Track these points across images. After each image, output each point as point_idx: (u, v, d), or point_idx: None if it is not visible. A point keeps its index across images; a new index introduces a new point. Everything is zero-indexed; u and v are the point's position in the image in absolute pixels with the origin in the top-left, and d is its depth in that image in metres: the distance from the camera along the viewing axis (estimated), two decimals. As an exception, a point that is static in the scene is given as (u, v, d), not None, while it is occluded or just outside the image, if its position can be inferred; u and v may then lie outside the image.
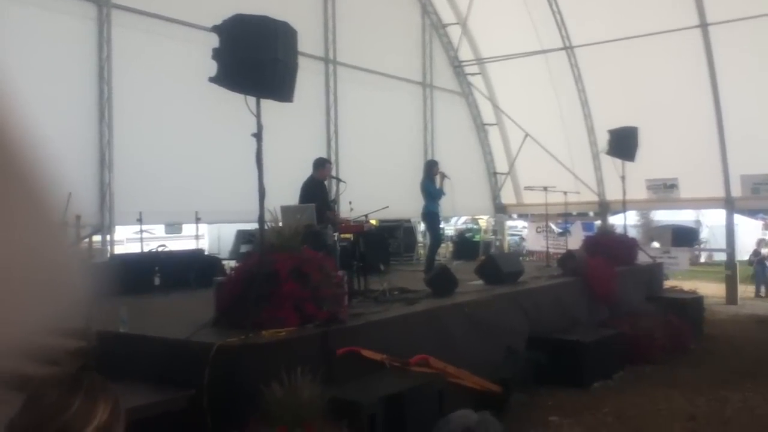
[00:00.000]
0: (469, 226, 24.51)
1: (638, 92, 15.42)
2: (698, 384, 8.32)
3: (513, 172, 18.72)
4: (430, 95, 17.66)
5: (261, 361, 5.22)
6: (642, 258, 12.91)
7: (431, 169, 11.18)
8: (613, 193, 16.03)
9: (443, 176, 11.00)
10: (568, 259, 10.85)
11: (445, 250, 17.56)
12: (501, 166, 19.10)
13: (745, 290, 16.73)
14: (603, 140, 13.38)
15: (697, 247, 23.45)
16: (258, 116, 5.86)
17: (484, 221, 23.44)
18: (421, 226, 16.41)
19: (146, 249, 11.19)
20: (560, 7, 16.21)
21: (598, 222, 17.73)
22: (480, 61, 18.14)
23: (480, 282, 9.36)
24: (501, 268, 9.39)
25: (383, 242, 13.53)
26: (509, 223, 22.24)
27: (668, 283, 13.45)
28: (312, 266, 6.03)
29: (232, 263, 10.06)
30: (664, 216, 23.61)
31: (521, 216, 22.52)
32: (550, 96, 17.22)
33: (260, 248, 6.18)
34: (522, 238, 23.48)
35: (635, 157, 12.69)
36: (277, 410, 4.84)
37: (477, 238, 19.62)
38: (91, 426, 1.53)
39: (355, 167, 14.08)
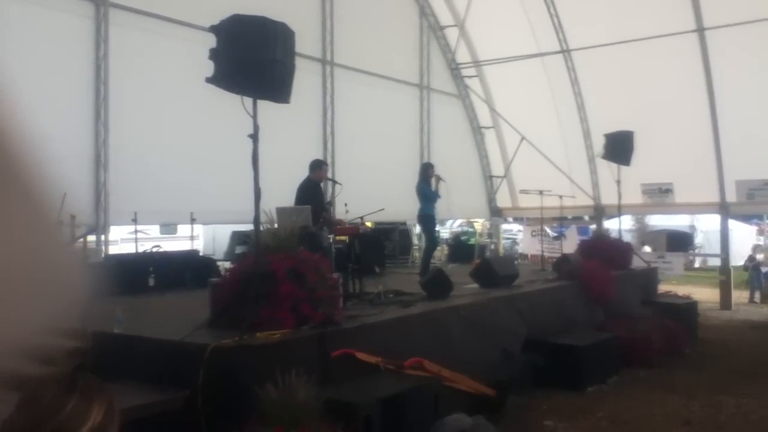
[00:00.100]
0: (465, 229, 24.50)
1: (634, 96, 15.45)
2: (693, 388, 8.33)
3: (509, 175, 18.73)
4: (427, 97, 17.67)
5: (256, 363, 5.20)
6: (637, 263, 12.94)
7: (427, 171, 11.18)
8: (608, 197, 16.04)
9: (438, 179, 11.01)
10: (563, 262, 10.86)
11: (441, 252, 17.56)
12: (497, 169, 19.10)
13: (740, 296, 16.78)
14: (599, 144, 13.39)
15: (691, 252, 23.48)
16: (254, 117, 5.84)
17: (480, 224, 23.45)
18: (417, 229, 16.42)
19: (141, 249, 11.16)
20: (558, 11, 16.24)
21: (593, 226, 17.76)
22: (477, 63, 18.15)
23: (475, 285, 9.36)
24: (496, 272, 9.40)
25: (379, 244, 13.51)
26: (504, 226, 22.26)
27: (662, 288, 13.47)
28: (309, 267, 6.02)
29: (227, 264, 10.03)
30: (659, 221, 23.69)
31: (517, 219, 22.54)
32: (547, 99, 17.24)
33: (256, 249, 6.16)
34: (515, 242, 23.50)
35: (631, 161, 12.71)
36: (272, 411, 4.83)
37: (472, 241, 19.61)
38: (85, 427, 1.52)
39: (352, 169, 14.07)
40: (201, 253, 13.24)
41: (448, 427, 5.82)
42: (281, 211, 7.55)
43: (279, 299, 5.67)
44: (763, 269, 17.50)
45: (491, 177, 19.27)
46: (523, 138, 16.83)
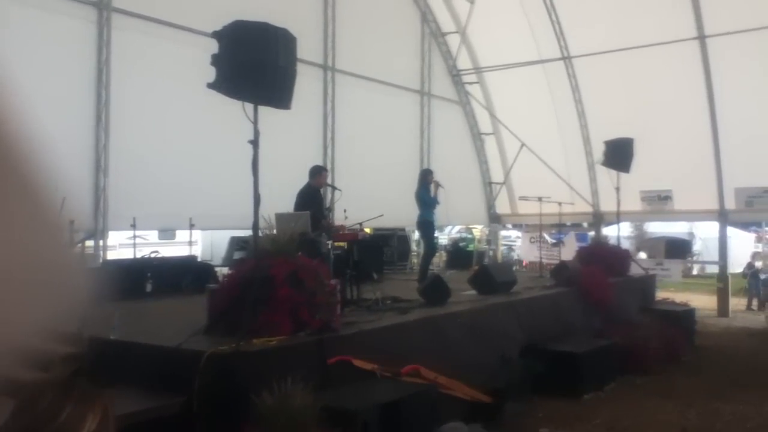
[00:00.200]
0: (463, 235, 24.53)
1: (634, 103, 15.48)
2: (690, 395, 8.33)
3: (508, 181, 18.74)
4: (428, 103, 17.69)
5: (252, 369, 5.20)
6: (635, 269, 12.94)
7: (426, 177, 11.19)
8: (607, 204, 16.06)
9: (437, 185, 11.01)
10: (561, 269, 10.87)
11: (439, 259, 17.55)
12: (496, 175, 19.11)
13: (738, 303, 16.78)
14: (599, 151, 13.41)
15: (689, 259, 23.50)
16: (255, 123, 5.85)
17: (479, 231, 23.45)
18: (416, 235, 16.42)
19: (139, 255, 11.16)
20: (559, 18, 16.28)
21: (591, 233, 17.76)
22: (478, 70, 18.18)
23: (473, 292, 9.36)
24: (494, 278, 9.40)
25: (377, 250, 13.51)
26: (503, 233, 22.26)
27: (660, 295, 13.48)
28: (307, 273, 6.02)
29: (225, 270, 10.04)
30: (657, 228, 23.70)
31: (516, 226, 22.54)
32: (547, 106, 17.27)
33: (255, 254, 6.16)
34: (511, 248, 23.49)
35: (630, 168, 12.72)
36: (269, 418, 4.82)
37: (471, 247, 19.63)
38: (82, 432, 1.52)
39: (351, 175, 14.07)
40: (199, 259, 13.24)
41: (446, 435, 5.82)
42: (280, 217, 7.56)
43: (277, 303, 5.67)
44: (762, 276, 17.51)
45: (491, 183, 19.27)
46: (523, 144, 16.84)
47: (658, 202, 16.39)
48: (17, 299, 1.12)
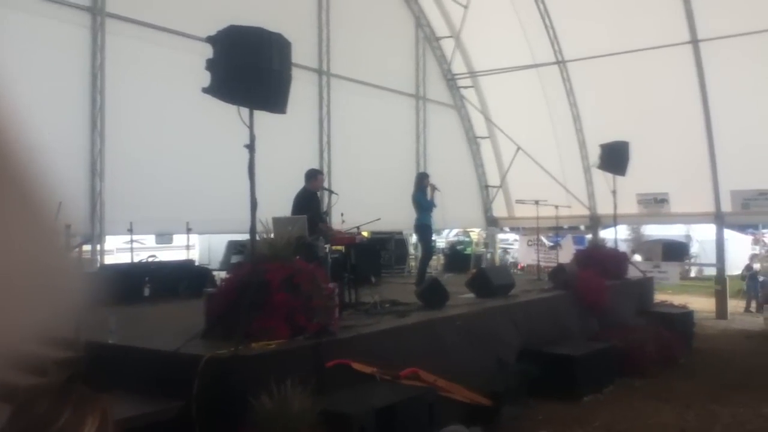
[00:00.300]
0: (461, 238, 24.54)
1: (629, 107, 15.52)
2: (689, 398, 8.32)
3: (505, 185, 18.77)
4: (423, 107, 17.72)
5: (251, 373, 5.19)
6: (633, 272, 12.95)
7: (422, 181, 11.20)
8: (604, 207, 16.10)
9: (433, 188, 11.02)
10: (558, 272, 10.87)
11: (437, 262, 17.56)
12: (493, 179, 19.14)
13: (736, 305, 16.80)
14: (594, 154, 13.44)
15: (687, 261, 23.52)
16: (251, 127, 5.85)
17: (476, 234, 23.46)
18: (413, 238, 16.43)
19: (136, 259, 11.13)
20: (553, 22, 16.32)
21: (588, 236, 17.78)
22: (473, 74, 18.22)
23: (471, 295, 9.35)
24: (492, 281, 9.40)
25: (375, 254, 13.51)
26: (501, 236, 22.27)
27: (659, 298, 13.49)
28: (304, 277, 6.02)
29: (223, 274, 10.02)
30: (654, 230, 23.71)
31: (513, 229, 22.55)
32: (542, 110, 17.31)
33: (252, 258, 6.16)
34: (506, 251, 23.49)
35: (626, 171, 12.75)
36: (267, 422, 4.81)
37: (468, 250, 19.62)
38: (79, 437, 1.52)
39: (348, 179, 14.08)
40: (196, 263, 13.21)
41: (445, 438, 5.81)
42: (277, 221, 7.55)
43: (273, 309, 5.67)
44: (760, 278, 17.54)
45: (487, 187, 19.29)
46: (518, 148, 16.88)
47: (655, 205, 16.43)
48: (14, 304, 1.11)
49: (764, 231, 27.12)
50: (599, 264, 11.66)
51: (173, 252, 15.86)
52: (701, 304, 15.54)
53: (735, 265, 18.89)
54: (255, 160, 5.89)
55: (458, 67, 18.27)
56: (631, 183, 13.84)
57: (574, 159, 17.29)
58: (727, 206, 15.61)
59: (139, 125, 11.10)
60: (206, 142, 11.65)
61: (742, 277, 18.12)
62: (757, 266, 18.33)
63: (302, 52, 12.39)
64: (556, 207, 12.86)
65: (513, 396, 7.60)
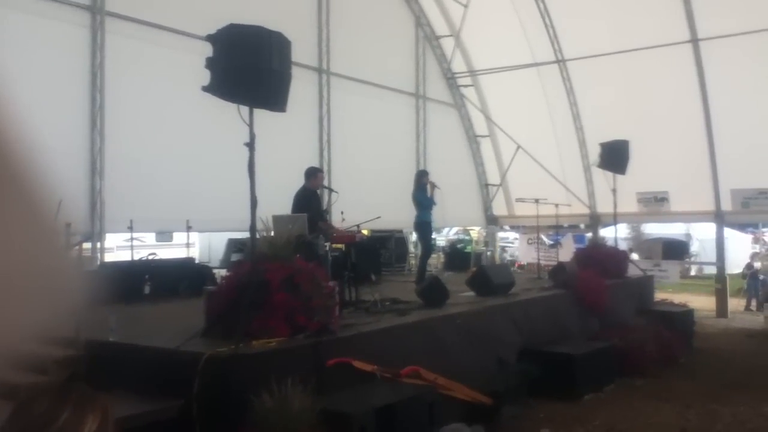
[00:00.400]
0: (461, 237, 24.54)
1: (630, 106, 15.51)
2: (689, 397, 8.32)
3: (505, 183, 18.77)
4: (423, 106, 17.71)
5: (251, 372, 5.19)
6: (633, 271, 12.95)
7: (421, 179, 11.20)
8: (604, 206, 16.09)
9: (433, 186, 11.03)
10: (558, 271, 10.87)
11: (437, 260, 17.56)
12: (493, 177, 19.14)
13: (737, 304, 16.80)
14: (594, 153, 13.43)
15: (687, 260, 23.53)
16: (251, 126, 5.85)
17: (476, 232, 23.46)
18: (413, 237, 16.44)
19: (136, 257, 11.13)
20: (553, 21, 16.31)
21: (589, 234, 17.78)
22: (473, 73, 18.21)
23: (471, 293, 9.36)
24: (492, 280, 9.40)
25: (375, 252, 13.52)
26: (501, 234, 22.27)
27: (659, 296, 13.49)
28: (304, 276, 6.02)
29: (223, 272, 10.02)
30: (654, 229, 23.72)
31: (513, 227, 22.56)
32: (542, 108, 17.30)
33: (252, 257, 6.16)
34: (503, 249, 23.50)
35: (626, 170, 12.75)
36: (267, 421, 4.81)
37: (468, 249, 19.63)
38: (80, 436, 1.51)
39: (348, 177, 14.08)
40: (197, 261, 13.22)
41: (447, 437, 5.81)
42: (277, 219, 7.55)
43: (274, 307, 5.66)
44: (761, 277, 17.54)
45: (487, 185, 19.29)
46: (518, 147, 16.87)
47: (655, 204, 16.42)
48: (14, 303, 1.11)
49: (764, 230, 27.16)
50: (599, 263, 11.66)
51: (173, 250, 15.88)
52: (701, 303, 15.54)
53: (735, 264, 18.89)
54: (255, 158, 5.89)
55: (458, 66, 18.26)
56: (631, 182, 13.85)
57: (574, 158, 17.29)
58: (727, 205, 15.61)
59: (138, 124, 11.10)
60: (206, 140, 11.64)
61: (743, 275, 18.12)
62: (758, 265, 18.33)
63: (302, 51, 12.38)
64: (556, 206, 12.86)
65: (513, 395, 7.60)
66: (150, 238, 16.95)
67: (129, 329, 6.22)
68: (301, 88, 11.66)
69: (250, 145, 5.85)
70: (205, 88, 5.73)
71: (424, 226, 11.15)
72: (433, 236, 12.81)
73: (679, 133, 15.42)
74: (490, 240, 20.31)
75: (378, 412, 5.45)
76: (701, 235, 23.24)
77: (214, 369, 5.03)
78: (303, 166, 9.81)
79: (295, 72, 6.37)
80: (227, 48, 5.72)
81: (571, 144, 17.25)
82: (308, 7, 14.52)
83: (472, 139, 19.13)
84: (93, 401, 1.59)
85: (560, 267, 11.06)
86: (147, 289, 9.52)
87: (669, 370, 9.74)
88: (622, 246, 15.46)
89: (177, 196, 11.28)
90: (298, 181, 9.20)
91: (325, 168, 13.93)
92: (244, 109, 5.81)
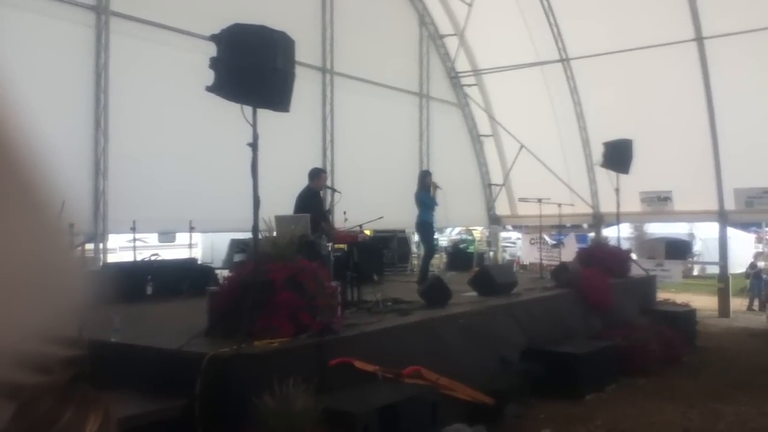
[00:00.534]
0: (464, 237, 24.54)
1: (633, 105, 15.49)
2: (692, 396, 8.31)
3: (508, 183, 18.74)
4: (427, 106, 17.70)
5: (254, 372, 5.20)
6: (636, 270, 12.94)
7: (424, 179, 11.22)
8: (607, 206, 16.06)
9: (435, 187, 11.04)
10: (561, 270, 10.86)
11: (439, 260, 17.56)
12: (496, 177, 19.11)
13: (740, 303, 16.77)
14: (598, 152, 13.40)
15: (690, 259, 23.49)
16: (254, 126, 5.85)
17: (479, 232, 23.45)
18: (415, 237, 16.43)
19: (139, 258, 11.15)
20: (557, 20, 16.29)
21: (591, 234, 17.76)
22: (476, 72, 18.19)
23: (474, 293, 9.36)
24: (495, 280, 9.40)
25: (377, 252, 13.52)
26: (503, 234, 22.25)
27: (661, 296, 13.47)
28: (307, 276, 6.02)
29: (226, 272, 10.03)
30: (657, 228, 23.68)
31: (516, 227, 22.53)
32: (546, 108, 17.27)
33: (255, 257, 6.17)
34: (503, 249, 23.48)
35: (629, 169, 12.73)
36: (270, 421, 4.82)
37: (471, 249, 19.63)
38: (82, 436, 1.52)
39: (351, 177, 14.09)
40: (199, 262, 13.24)
41: (449, 437, 5.81)
42: (280, 220, 7.56)
43: (277, 308, 5.67)
44: (764, 277, 17.51)
45: (490, 185, 19.28)
46: (522, 146, 16.85)
47: (658, 203, 16.39)
48: (18, 302, 1.12)
49: (767, 229, 27.08)
50: (602, 262, 11.66)
51: (176, 250, 15.91)
52: (704, 303, 15.51)
53: (738, 264, 18.86)
54: (258, 158, 5.89)
55: (462, 65, 18.26)
56: (634, 181, 13.83)
57: (577, 157, 17.26)
58: (730, 204, 15.58)
59: (142, 124, 11.11)
60: (209, 140, 11.65)
61: (746, 275, 18.09)
62: (761, 264, 18.30)
63: (306, 51, 12.41)
64: (559, 205, 12.85)
65: (516, 395, 7.60)
66: (153, 238, 16.99)
67: (131, 329, 6.23)
68: (305, 87, 11.67)
69: (254, 145, 5.84)
70: (209, 88, 5.74)
71: (425, 227, 11.17)
72: (435, 236, 12.80)
73: (683, 132, 15.38)
74: (492, 240, 20.29)
75: (381, 412, 5.46)
76: (704, 235, 23.21)
77: (217, 369, 5.04)
78: (306, 166, 9.82)
79: (299, 71, 6.37)
80: (231, 48, 5.73)
81: (574, 143, 17.23)
82: (312, 6, 14.52)
83: (476, 139, 19.12)
84: (95, 401, 1.60)
85: (563, 267, 11.05)
86: (149, 290, 9.53)
87: (671, 370, 9.73)
88: (625, 246, 15.45)
89: (180, 197, 11.29)
90: (301, 181, 9.21)
91: (328, 168, 13.93)
92: (248, 109, 5.81)
